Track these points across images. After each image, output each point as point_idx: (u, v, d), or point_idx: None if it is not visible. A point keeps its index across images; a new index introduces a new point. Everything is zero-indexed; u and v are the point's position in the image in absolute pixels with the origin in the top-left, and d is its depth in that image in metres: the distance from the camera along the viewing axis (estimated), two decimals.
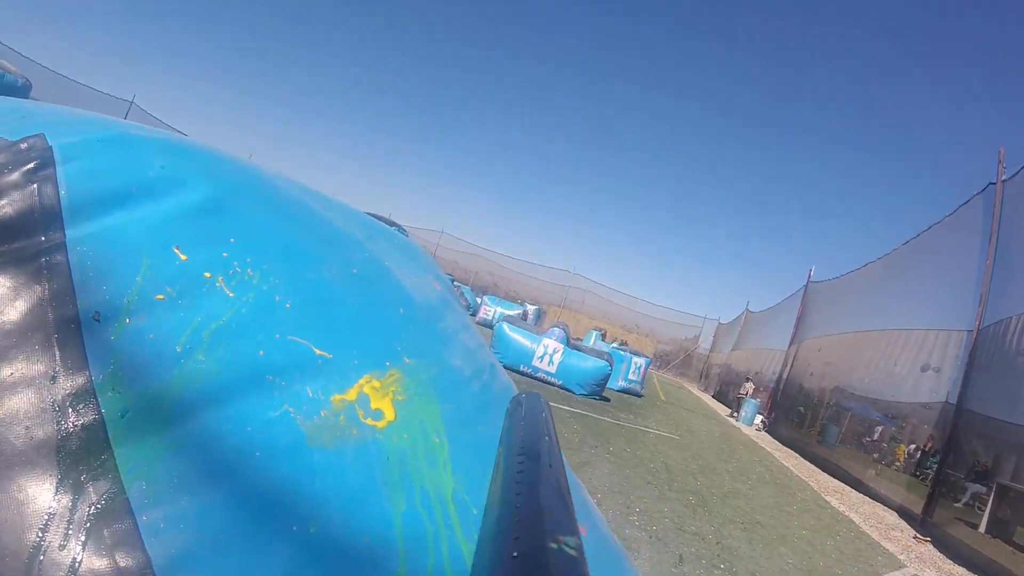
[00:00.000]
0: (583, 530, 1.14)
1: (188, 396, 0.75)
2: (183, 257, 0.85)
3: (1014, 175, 10.77)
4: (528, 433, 0.88)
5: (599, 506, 5.09)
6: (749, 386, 24.12)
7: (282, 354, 0.85)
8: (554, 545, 0.44)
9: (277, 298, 0.90)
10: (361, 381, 0.90)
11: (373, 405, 0.89)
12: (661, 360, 45.84)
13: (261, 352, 0.83)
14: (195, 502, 0.69)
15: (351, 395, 0.87)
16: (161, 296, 0.80)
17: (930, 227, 14.02)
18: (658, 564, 4.32)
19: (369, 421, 0.87)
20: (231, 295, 0.85)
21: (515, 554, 0.44)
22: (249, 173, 1.10)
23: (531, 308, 30.48)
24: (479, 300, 28.14)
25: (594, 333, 24.08)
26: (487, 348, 1.47)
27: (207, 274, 0.85)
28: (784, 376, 22.55)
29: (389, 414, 0.90)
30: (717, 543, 5.35)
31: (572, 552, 0.43)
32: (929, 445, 12.38)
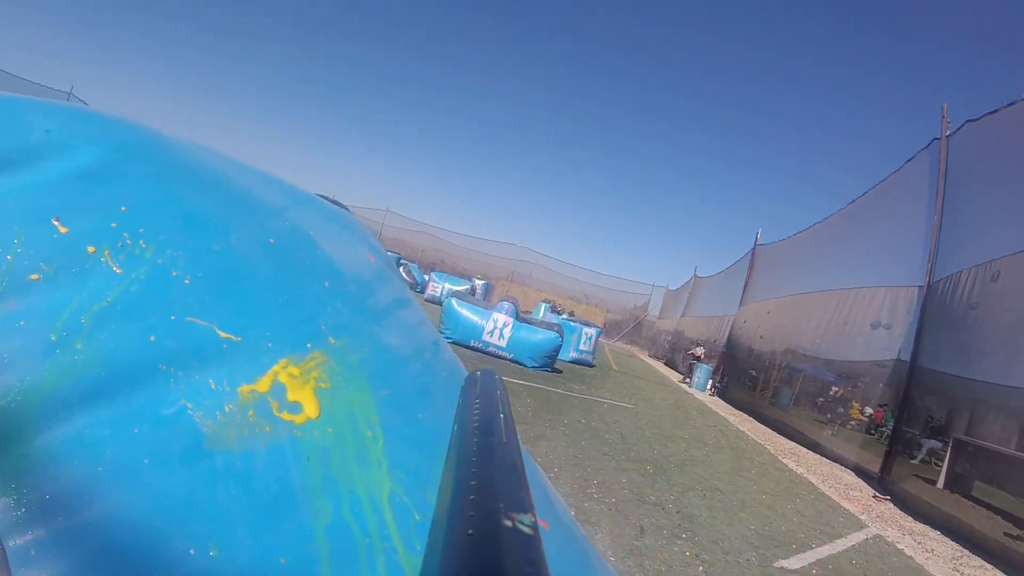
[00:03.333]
0: (545, 525, 0.98)
1: (62, 393, 0.62)
2: (63, 230, 0.71)
3: (958, 129, 10.89)
4: (483, 410, 0.81)
5: (556, 481, 4.87)
6: (699, 350, 24.33)
7: (178, 339, 0.70)
8: (508, 523, 0.41)
9: (174, 273, 0.75)
10: (276, 367, 0.75)
11: (290, 396, 0.74)
12: (612, 329, 46.16)
13: (152, 337, 0.69)
14: (72, 523, 0.57)
15: (263, 385, 0.72)
16: (36, 276, 0.67)
17: (876, 184, 14.17)
18: (619, 537, 4.21)
19: (285, 415, 0.72)
20: (118, 271, 0.71)
21: (470, 531, 0.41)
22: (147, 136, 0.93)
23: (479, 283, 30.29)
24: (427, 277, 27.88)
25: (543, 305, 24.15)
26: (430, 324, 1.29)
27: (91, 248, 0.71)
28: (734, 340, 22.67)
29: (310, 405, 0.75)
30: (677, 512, 5.28)
31: (527, 530, 0.41)
32: (880, 413, 12.48)
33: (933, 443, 10.19)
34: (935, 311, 10.22)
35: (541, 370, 12.15)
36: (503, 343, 12.11)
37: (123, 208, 0.77)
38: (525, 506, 0.45)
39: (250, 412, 0.69)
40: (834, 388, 14.58)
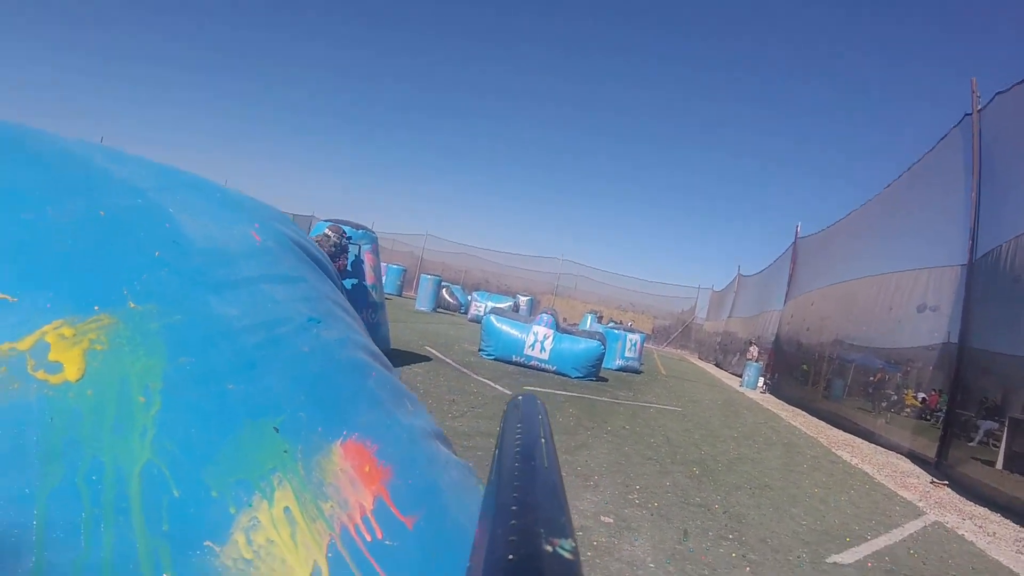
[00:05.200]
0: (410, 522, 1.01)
1: None
2: None
3: (988, 103, 10.67)
4: (524, 435, 0.77)
5: (595, 489, 4.84)
6: (754, 350, 24.02)
7: None
8: (549, 548, 0.41)
9: None
10: (47, 327, 0.75)
11: (52, 356, 0.74)
12: (660, 335, 45.70)
13: None
14: None
15: (25, 343, 0.73)
16: None
17: (911, 166, 13.94)
18: (660, 542, 4.09)
19: (40, 374, 0.72)
20: None
21: (511, 556, 0.41)
22: None
23: (523, 299, 30.30)
24: (469, 297, 27.98)
25: (589, 316, 24.00)
26: (324, 303, 1.27)
27: None
28: (782, 335, 22.32)
29: (73, 367, 0.75)
30: (724, 512, 5.16)
31: (568, 555, 0.41)
32: (935, 397, 12.18)
33: (989, 424, 9.89)
34: (980, 288, 9.95)
35: (585, 380, 12.07)
36: (545, 355, 12.00)
37: None
38: (566, 531, 0.44)
39: (2, 368, 0.70)
40: (886, 375, 14.26)
